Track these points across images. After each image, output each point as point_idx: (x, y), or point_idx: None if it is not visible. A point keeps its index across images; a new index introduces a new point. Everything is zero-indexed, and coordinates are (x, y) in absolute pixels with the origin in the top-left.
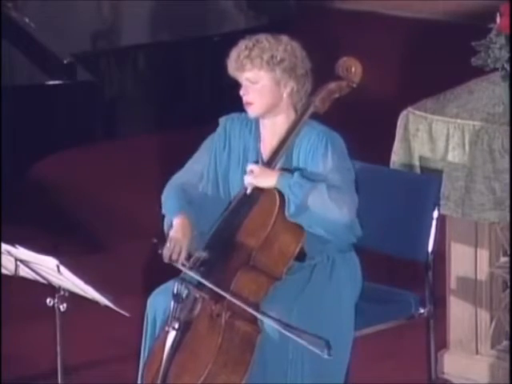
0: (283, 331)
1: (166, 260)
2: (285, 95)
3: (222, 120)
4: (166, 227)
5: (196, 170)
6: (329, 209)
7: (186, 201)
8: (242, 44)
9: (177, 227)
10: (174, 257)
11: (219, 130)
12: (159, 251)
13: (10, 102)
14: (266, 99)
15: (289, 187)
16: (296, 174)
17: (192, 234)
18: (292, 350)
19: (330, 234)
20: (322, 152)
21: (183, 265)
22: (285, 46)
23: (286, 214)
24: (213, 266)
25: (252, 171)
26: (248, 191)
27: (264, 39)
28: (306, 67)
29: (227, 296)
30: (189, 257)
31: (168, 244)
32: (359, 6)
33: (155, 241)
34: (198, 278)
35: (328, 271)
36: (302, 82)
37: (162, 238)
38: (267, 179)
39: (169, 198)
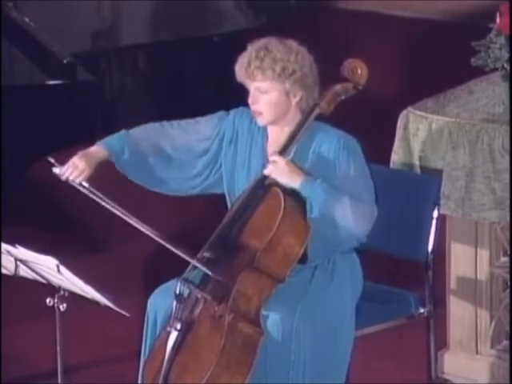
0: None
1: (63, 178)
2: (293, 104)
3: (232, 112)
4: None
5: (191, 136)
6: (348, 220)
7: (129, 149)
8: (252, 51)
9: (87, 153)
10: (72, 178)
11: (228, 120)
12: (54, 170)
13: (10, 102)
14: (275, 109)
15: (313, 191)
16: (320, 180)
17: (95, 166)
18: (294, 351)
19: (340, 240)
20: (345, 163)
21: (81, 185)
22: (295, 56)
23: (308, 216)
24: (216, 265)
25: (275, 161)
26: (267, 173)
27: (274, 47)
28: (315, 74)
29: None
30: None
31: (70, 163)
32: (359, 5)
33: (51, 160)
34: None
35: (329, 273)
36: (310, 90)
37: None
38: (292, 179)
39: (126, 134)
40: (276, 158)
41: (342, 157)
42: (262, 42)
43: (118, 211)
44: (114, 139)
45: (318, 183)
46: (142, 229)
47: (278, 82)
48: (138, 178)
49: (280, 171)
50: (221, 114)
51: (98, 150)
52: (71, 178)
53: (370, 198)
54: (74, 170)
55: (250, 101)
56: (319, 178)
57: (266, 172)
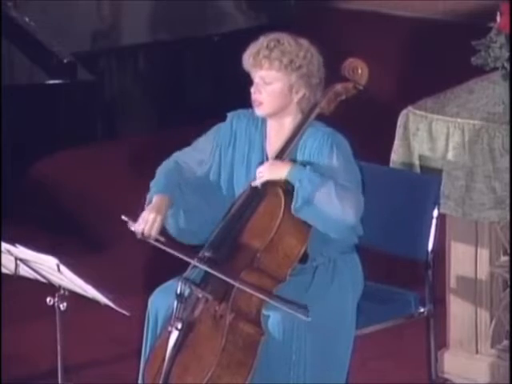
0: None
1: (138, 236)
2: (295, 100)
3: (229, 115)
4: (147, 202)
5: (197, 157)
6: (333, 207)
7: (175, 183)
8: (264, 41)
9: (153, 205)
10: (146, 232)
11: (226, 125)
12: (130, 228)
13: (10, 102)
14: (276, 101)
15: (299, 180)
16: (308, 167)
17: (167, 213)
18: (295, 351)
19: (331, 231)
20: (328, 153)
21: (157, 240)
22: (305, 53)
23: (292, 207)
24: (216, 265)
25: (261, 172)
26: (257, 183)
27: (286, 41)
28: (321, 76)
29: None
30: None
31: (140, 220)
32: (359, 5)
33: (125, 218)
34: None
35: (330, 273)
36: (314, 90)
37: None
38: (279, 170)
39: (160, 177)
40: (260, 168)
41: (325, 150)
42: (275, 34)
43: (196, 263)
44: (157, 185)
45: (307, 169)
46: (223, 277)
47: (284, 74)
48: (192, 221)
49: (267, 172)
50: (216, 126)
51: (159, 198)
52: (146, 233)
53: (356, 188)
54: (145, 224)
55: (252, 90)
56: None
57: (255, 184)
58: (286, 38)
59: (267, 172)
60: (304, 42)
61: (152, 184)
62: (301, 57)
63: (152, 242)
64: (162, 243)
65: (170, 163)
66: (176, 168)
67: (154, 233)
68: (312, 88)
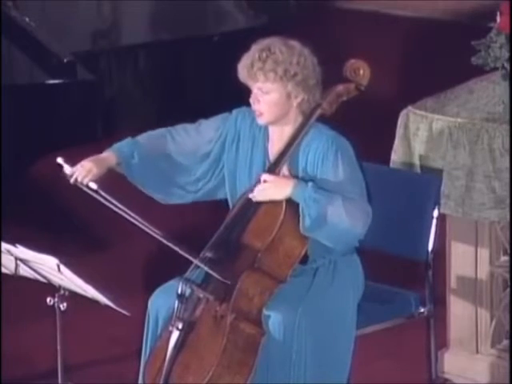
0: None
1: (71, 181)
2: (295, 105)
3: (234, 112)
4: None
5: (195, 141)
6: (343, 223)
7: (138, 153)
8: (255, 52)
9: (97, 156)
10: (79, 178)
11: (231, 121)
12: (65, 171)
13: (10, 101)
14: (275, 109)
15: (304, 200)
16: (310, 185)
17: (104, 169)
18: (295, 351)
19: (340, 245)
20: (332, 161)
21: (88, 187)
22: (298, 58)
23: (301, 228)
24: (217, 266)
25: (259, 186)
26: (258, 199)
27: (277, 49)
28: (317, 76)
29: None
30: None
31: (77, 166)
32: (359, 5)
33: (61, 161)
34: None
35: (330, 275)
36: (312, 92)
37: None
38: (281, 190)
39: (138, 139)
40: (262, 178)
41: (330, 155)
42: (266, 42)
43: (126, 214)
44: (122, 145)
45: (309, 187)
46: (150, 232)
47: (279, 85)
48: (146, 185)
49: (269, 192)
50: (224, 115)
51: (107, 154)
52: (79, 178)
53: (362, 197)
54: (81, 171)
55: (251, 100)
56: (309, 177)
57: (255, 199)
58: (277, 45)
59: (270, 191)
60: (295, 45)
61: (122, 141)
62: (294, 63)
63: (84, 188)
64: (93, 191)
65: (160, 135)
66: (161, 141)
67: (86, 181)
68: (310, 90)
